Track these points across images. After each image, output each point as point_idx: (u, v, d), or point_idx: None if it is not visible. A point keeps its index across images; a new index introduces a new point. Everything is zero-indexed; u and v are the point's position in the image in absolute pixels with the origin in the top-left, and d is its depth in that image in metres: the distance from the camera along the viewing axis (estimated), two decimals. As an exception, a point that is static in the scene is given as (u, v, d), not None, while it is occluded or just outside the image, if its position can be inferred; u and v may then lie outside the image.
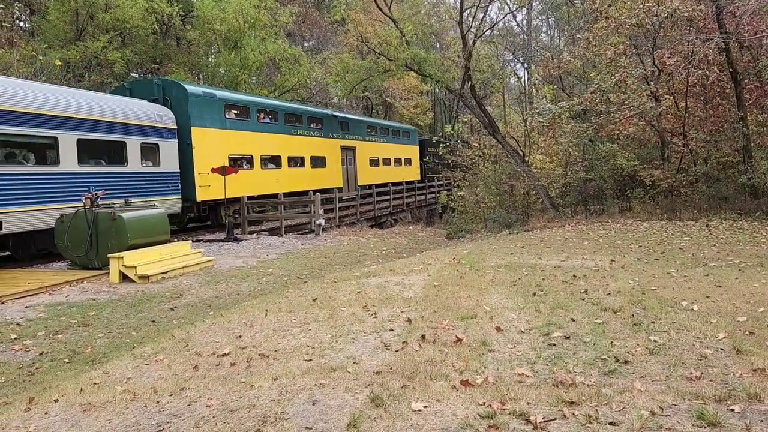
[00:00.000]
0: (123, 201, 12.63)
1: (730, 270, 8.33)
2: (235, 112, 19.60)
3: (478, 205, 24.40)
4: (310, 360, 4.65)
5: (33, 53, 22.78)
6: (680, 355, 4.33)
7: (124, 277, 10.72)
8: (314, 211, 18.96)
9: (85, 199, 11.65)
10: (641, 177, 18.16)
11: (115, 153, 14.79)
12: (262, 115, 21.02)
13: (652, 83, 18.02)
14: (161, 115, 16.32)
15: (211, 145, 17.99)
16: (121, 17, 25.53)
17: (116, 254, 10.81)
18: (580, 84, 26.22)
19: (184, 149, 17.06)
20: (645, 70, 17.98)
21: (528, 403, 3.55)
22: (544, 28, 49.09)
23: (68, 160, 13.19)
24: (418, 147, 36.31)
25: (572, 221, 17.60)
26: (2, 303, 9.00)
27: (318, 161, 23.83)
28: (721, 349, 4.46)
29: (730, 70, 16.48)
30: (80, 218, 11.49)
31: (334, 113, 26.68)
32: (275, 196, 19.57)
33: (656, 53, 17.72)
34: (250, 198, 18.68)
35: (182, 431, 3.45)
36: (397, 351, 4.74)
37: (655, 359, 4.27)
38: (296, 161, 22.48)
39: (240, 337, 5.60)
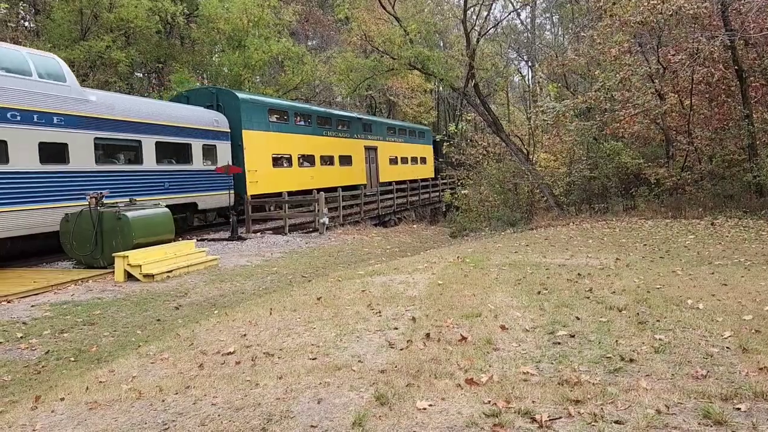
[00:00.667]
0: (128, 200, 12.70)
1: (736, 268, 8.30)
2: (277, 116, 21.55)
3: (482, 204, 24.36)
4: (314, 358, 4.65)
5: (38, 53, 22.82)
6: (686, 354, 4.32)
7: (129, 276, 10.75)
8: (318, 210, 18.98)
9: (90, 198, 11.69)
10: (646, 175, 18.11)
11: (183, 153, 16.96)
12: (298, 118, 23.04)
13: (656, 81, 17.96)
14: (218, 120, 18.52)
15: (258, 145, 19.97)
16: (125, 16, 25.57)
17: (121, 253, 10.84)
18: (584, 82, 26.17)
19: (235, 149, 19.09)
20: (650, 67, 17.92)
21: (533, 401, 3.55)
22: (548, 26, 49.01)
23: (149, 160, 15.47)
24: (432, 146, 37.50)
25: (577, 220, 17.57)
26: (8, 302, 9.04)
27: (345, 160, 25.83)
28: (727, 347, 4.45)
29: (736, 67, 16.42)
30: (85, 218, 11.53)
31: (359, 116, 28.88)
32: (310, 191, 21.11)
33: (661, 51, 17.67)
34: (290, 193, 20.40)
35: (188, 430, 3.46)
36: (401, 349, 4.74)
37: (660, 358, 4.26)
38: (327, 160, 24.41)
39: (245, 335, 5.61)
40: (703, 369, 3.95)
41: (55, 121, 12.80)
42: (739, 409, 3.32)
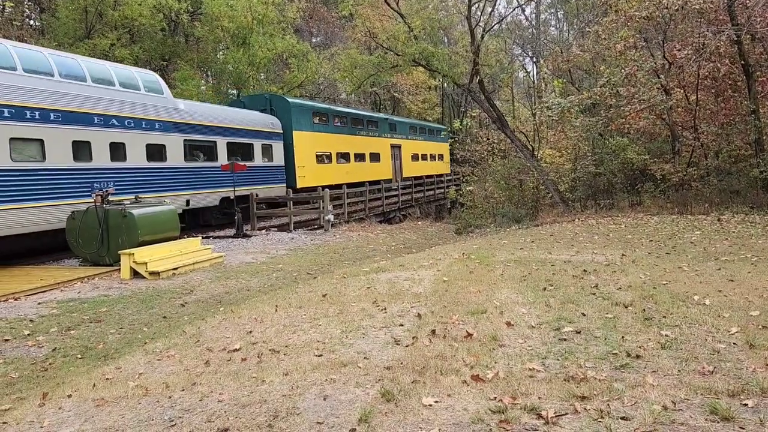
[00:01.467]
0: (134, 197, 12.72)
1: (743, 264, 8.26)
2: (318, 118, 24.09)
3: (487, 200, 24.32)
4: (320, 355, 4.66)
5: (43, 51, 22.89)
6: (692, 350, 4.31)
7: (135, 274, 10.79)
8: (323, 207, 18.99)
9: (96, 196, 11.73)
10: (651, 171, 18.04)
11: (247, 152, 19.67)
12: (336, 119, 25.58)
13: (662, 76, 17.87)
14: (273, 123, 21.22)
15: (305, 144, 22.60)
16: (129, 14, 25.63)
17: (127, 251, 10.88)
18: (589, 78, 26.06)
19: (286, 148, 21.72)
20: (655, 63, 17.84)
21: (539, 397, 3.54)
22: (553, 22, 48.80)
23: (222, 157, 18.27)
24: (448, 144, 38.70)
25: (582, 216, 17.53)
26: (15, 299, 9.08)
27: (374, 157, 28.38)
28: (734, 343, 4.43)
29: (742, 62, 16.31)
30: (91, 215, 11.57)
31: (386, 117, 31.22)
32: (343, 186, 22.80)
33: (666, 46, 17.58)
34: (330, 187, 21.70)
35: (194, 426, 3.47)
36: (407, 346, 4.74)
37: (667, 354, 4.25)
38: (359, 157, 26.93)
39: (250, 332, 5.62)
40: (710, 365, 3.94)
41: (156, 126, 15.74)
42: (746, 405, 3.31)
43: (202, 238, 14.42)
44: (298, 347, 4.95)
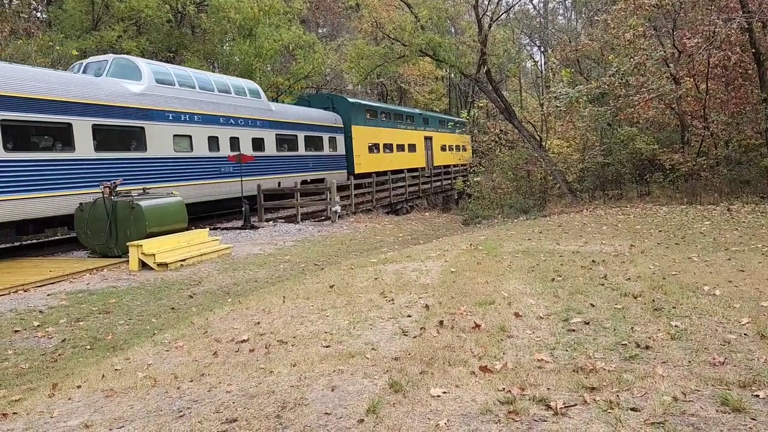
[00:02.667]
0: (141, 189, 12.74)
1: (753, 254, 8.19)
2: (369, 114, 28.04)
3: (495, 191, 24.23)
4: (328, 346, 4.66)
5: (50, 43, 22.96)
6: (703, 341, 4.27)
7: (143, 265, 10.83)
8: (330, 199, 18.99)
9: (104, 187, 11.77)
10: (661, 161, 17.91)
11: (318, 144, 23.75)
12: (382, 115, 29.35)
13: (671, 65, 17.70)
14: (336, 119, 25.30)
15: (360, 137, 26.46)
16: (135, 6, 25.58)
17: (135, 242, 10.92)
18: (598, 67, 25.84)
19: (346, 140, 25.69)
20: (665, 52, 17.66)
21: (548, 388, 3.52)
22: (560, 11, 48.38)
23: (301, 148, 22.51)
24: (470, 136, 39.67)
25: (590, 206, 17.44)
26: (25, 291, 9.15)
27: (412, 148, 32.01)
28: (745, 334, 4.39)
29: (753, 50, 16.11)
30: (99, 207, 11.61)
31: (420, 112, 34.79)
32: (387, 172, 26.43)
33: (676, 34, 17.40)
34: (377, 173, 25.65)
35: (203, 417, 3.47)
36: (415, 337, 4.73)
37: (676, 344, 4.22)
38: (400, 147, 30.61)
39: (258, 323, 5.63)
40: (721, 356, 3.91)
41: (258, 124, 19.92)
42: (757, 396, 3.28)
43: (210, 229, 14.46)
44: (306, 338, 4.95)
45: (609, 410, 3.18)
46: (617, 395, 3.36)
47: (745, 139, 17.27)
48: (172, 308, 8.06)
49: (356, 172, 25.36)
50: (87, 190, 13.04)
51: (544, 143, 23.12)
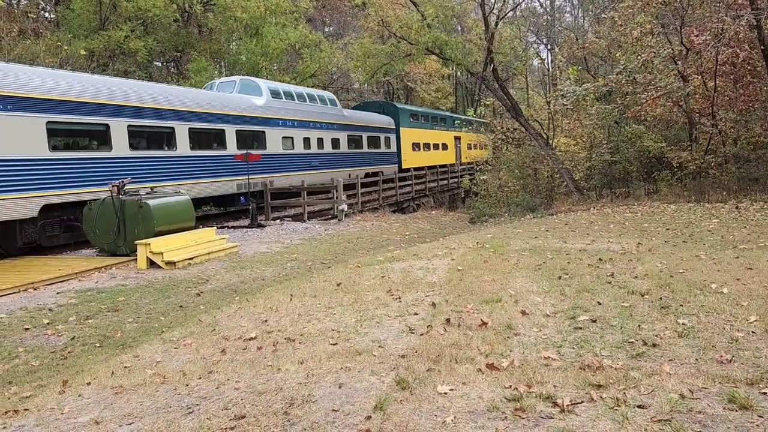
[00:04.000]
0: (150, 188, 12.81)
1: (762, 252, 8.15)
2: (412, 117, 32.05)
3: (502, 189, 24.19)
4: (335, 344, 4.68)
5: (58, 43, 23.08)
6: (710, 338, 4.26)
7: (152, 263, 10.89)
8: (337, 197, 19.02)
9: (112, 186, 11.83)
10: (668, 159, 17.83)
11: (377, 142, 28.06)
12: (422, 118, 33.44)
13: (679, 63, 17.61)
14: (389, 122, 29.59)
15: (406, 137, 30.83)
16: (143, 6, 25.69)
17: (143, 241, 10.97)
18: (605, 65, 25.77)
19: (396, 140, 30.06)
20: (672, 49, 17.57)
21: (555, 386, 3.53)
22: (567, 8, 48.24)
23: (365, 146, 26.78)
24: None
25: (597, 204, 17.39)
26: (35, 289, 9.22)
27: (444, 146, 35.90)
28: (753, 332, 4.38)
29: (762, 47, 16.00)
30: (108, 206, 11.68)
31: (451, 115, 38.91)
32: (424, 168, 31.00)
33: (684, 32, 17.30)
34: (416, 168, 30.34)
35: (211, 413, 3.50)
36: (422, 335, 4.75)
37: (684, 342, 4.21)
38: (435, 146, 34.65)
39: (266, 321, 5.66)
40: (728, 353, 3.90)
41: (335, 127, 24.16)
42: (765, 393, 3.27)
43: (217, 228, 14.51)
44: (313, 336, 4.98)
45: (616, 408, 3.18)
46: (624, 393, 3.37)
47: (753, 136, 17.15)
48: (180, 306, 8.10)
49: (403, 167, 29.88)
50: (232, 178, 18.01)
51: (551, 141, 23.04)
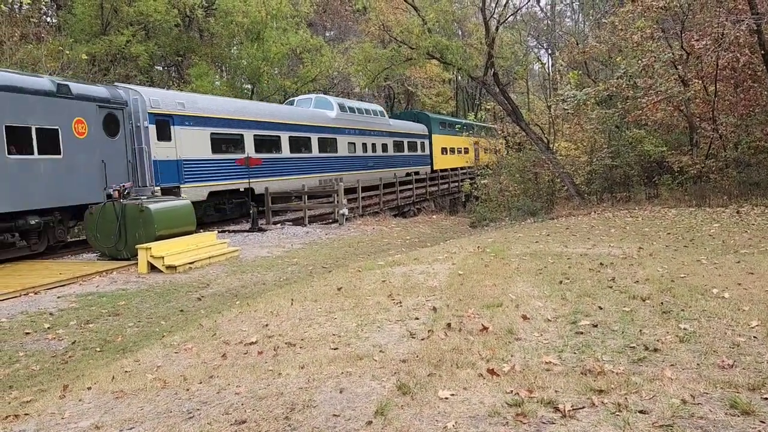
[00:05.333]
0: (151, 192, 12.83)
1: (763, 257, 8.14)
2: (441, 125, 36.13)
3: (502, 194, 24.18)
4: (336, 348, 4.67)
5: (60, 48, 23.13)
6: (711, 343, 4.25)
7: (152, 268, 10.89)
8: (338, 201, 19.02)
9: (113, 191, 11.85)
10: (669, 163, 17.82)
11: (415, 146, 32.71)
12: (449, 126, 37.36)
13: (680, 67, 17.62)
14: (424, 129, 33.97)
15: (437, 142, 35.04)
16: (144, 10, 25.75)
17: (144, 245, 10.98)
18: (605, 69, 25.78)
19: (429, 144, 34.31)
20: (673, 53, 17.58)
21: (556, 391, 3.52)
22: (568, 13, 48.28)
23: (405, 150, 31.28)
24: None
25: (598, 209, 17.38)
26: (35, 293, 9.22)
27: (466, 150, 39.27)
28: (754, 337, 4.37)
29: (762, 52, 16.00)
30: (109, 210, 11.69)
31: (472, 123, 42.14)
32: (447, 169, 35.21)
33: (684, 36, 17.31)
34: (442, 170, 34.64)
35: (212, 418, 3.50)
36: (422, 339, 4.74)
37: (685, 347, 4.21)
38: (458, 150, 38.39)
39: (266, 325, 5.65)
40: (730, 359, 3.89)
41: (384, 134, 28.87)
42: (767, 399, 3.27)
43: (218, 232, 14.52)
44: (314, 340, 4.97)
45: (617, 413, 3.18)
46: (625, 398, 3.36)
47: (754, 141, 17.14)
48: (181, 310, 8.10)
49: (434, 168, 34.16)
50: (315, 174, 22.60)
51: (551, 145, 23.06)
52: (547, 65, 45.98)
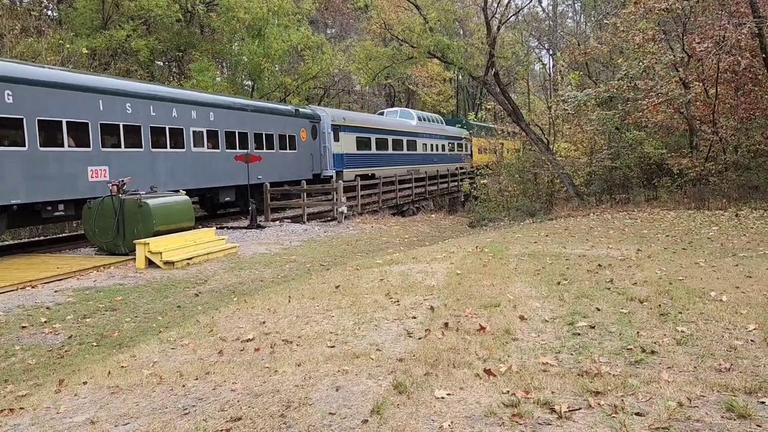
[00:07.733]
0: (150, 188, 12.82)
1: (761, 260, 8.14)
2: (477, 129, 41.08)
3: (502, 194, 24.21)
4: (333, 346, 4.67)
5: (60, 42, 23.07)
6: (709, 346, 4.25)
7: (150, 263, 10.87)
8: (337, 199, 19.01)
9: (112, 185, 11.83)
10: (669, 165, 17.83)
11: (456, 146, 38.93)
12: (483, 130, 41.41)
13: (681, 69, 17.62)
14: (466, 132, 40.44)
15: (475, 143, 40.40)
16: (145, 5, 25.69)
17: (142, 240, 10.96)
18: (606, 71, 25.80)
19: (470, 145, 40.42)
20: (674, 56, 17.59)
21: (552, 392, 3.52)
22: (570, 14, 48.31)
23: (455, 150, 38.83)
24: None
25: (597, 210, 17.39)
26: (33, 287, 9.20)
27: (493, 151, 41.85)
28: (752, 340, 4.37)
29: (763, 55, 16.02)
30: (107, 205, 11.67)
31: (491, 125, 45.22)
32: (479, 166, 37.66)
33: (686, 39, 17.33)
34: (477, 167, 37.90)
35: (208, 414, 3.49)
36: (420, 338, 4.74)
37: (682, 350, 4.20)
38: (486, 150, 41.20)
39: (264, 323, 5.65)
40: (727, 362, 3.89)
41: (440, 137, 36.04)
42: (763, 402, 3.26)
43: (216, 228, 14.50)
44: (311, 338, 4.96)
45: (614, 415, 3.17)
46: (622, 400, 3.35)
47: (754, 144, 17.16)
48: (178, 306, 8.09)
49: (472, 165, 39.39)
50: (405, 166, 29.93)
51: (551, 146, 23.07)
52: (548, 66, 46.01)
